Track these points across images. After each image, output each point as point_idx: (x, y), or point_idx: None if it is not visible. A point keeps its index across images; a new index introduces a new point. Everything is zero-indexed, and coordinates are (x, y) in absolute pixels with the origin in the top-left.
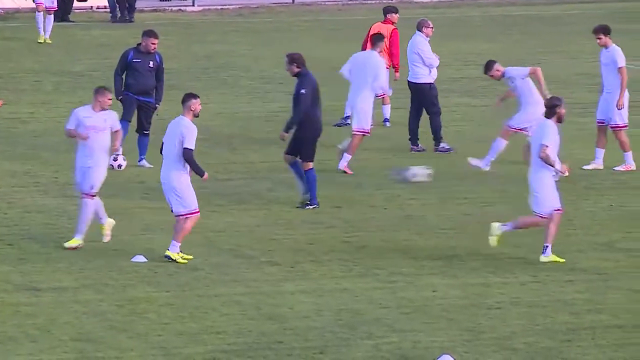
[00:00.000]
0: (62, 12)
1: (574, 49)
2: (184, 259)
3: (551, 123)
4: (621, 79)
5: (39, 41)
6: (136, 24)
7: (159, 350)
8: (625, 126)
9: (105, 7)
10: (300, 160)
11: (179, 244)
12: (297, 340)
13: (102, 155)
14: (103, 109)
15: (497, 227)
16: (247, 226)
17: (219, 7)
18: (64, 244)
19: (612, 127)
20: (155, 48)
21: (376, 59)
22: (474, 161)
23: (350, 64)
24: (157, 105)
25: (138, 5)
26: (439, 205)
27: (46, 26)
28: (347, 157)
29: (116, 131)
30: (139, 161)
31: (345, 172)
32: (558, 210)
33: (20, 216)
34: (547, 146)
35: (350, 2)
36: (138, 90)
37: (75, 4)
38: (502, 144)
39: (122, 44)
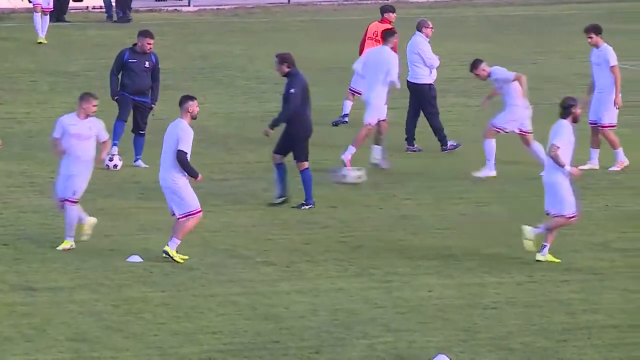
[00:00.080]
0: (58, 12)
1: (571, 49)
2: (181, 258)
3: (566, 123)
4: (615, 78)
5: (38, 42)
6: (132, 24)
7: (155, 350)
8: (613, 126)
9: (100, 7)
10: (294, 161)
11: (179, 241)
12: (293, 340)
13: (87, 164)
14: (88, 116)
15: (529, 230)
16: (243, 226)
17: (215, 7)
18: (58, 247)
19: (600, 126)
20: (150, 48)
21: (388, 54)
22: (479, 173)
23: (363, 59)
24: (152, 105)
25: (133, 5)
26: (435, 205)
27: (42, 26)
28: (351, 149)
29: (104, 142)
30: (134, 161)
31: (344, 163)
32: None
33: (16, 216)
34: (557, 146)
35: (345, 2)
36: (134, 90)
37: (71, 4)
38: (491, 144)
39: (118, 44)
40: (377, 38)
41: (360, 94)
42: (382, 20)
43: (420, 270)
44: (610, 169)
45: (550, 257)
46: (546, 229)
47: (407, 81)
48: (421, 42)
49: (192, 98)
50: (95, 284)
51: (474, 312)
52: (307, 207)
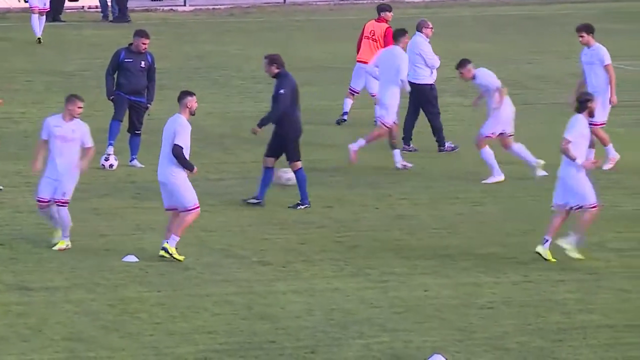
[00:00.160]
0: (54, 12)
1: (567, 49)
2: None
3: (581, 117)
4: (610, 77)
5: (37, 38)
6: (128, 24)
7: (151, 350)
8: (603, 124)
9: (96, 7)
10: (287, 162)
11: (178, 238)
12: (289, 340)
13: (73, 165)
14: (73, 118)
15: (566, 242)
16: (238, 226)
17: (211, 7)
18: (53, 247)
19: (591, 124)
20: (145, 48)
21: (399, 53)
22: (487, 180)
23: (377, 61)
24: (148, 105)
25: (129, 4)
26: (431, 205)
27: (39, 26)
28: (361, 142)
29: (87, 148)
30: (130, 161)
31: (351, 156)
32: (581, 207)
33: (12, 216)
34: (568, 140)
35: (341, 2)
36: (130, 90)
37: (67, 3)
38: (487, 152)
39: (113, 44)
40: (373, 37)
41: (358, 93)
42: (379, 20)
43: (416, 270)
44: (604, 168)
45: (549, 254)
46: (578, 234)
47: (408, 82)
48: (422, 43)
49: (191, 94)
50: (91, 283)
51: (470, 311)
52: (302, 207)
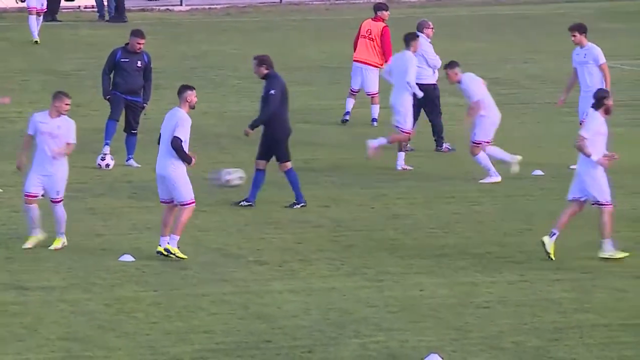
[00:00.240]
0: (50, 11)
1: (563, 49)
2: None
3: (597, 115)
4: (605, 76)
5: (34, 41)
6: (124, 23)
7: (147, 350)
8: None
9: (92, 7)
10: (277, 162)
11: (178, 237)
12: (285, 339)
13: (61, 162)
14: (60, 114)
15: (606, 251)
16: (235, 225)
17: (207, 7)
18: (50, 247)
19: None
20: (141, 48)
21: (408, 58)
22: (484, 180)
23: (389, 67)
24: (145, 104)
25: (125, 4)
26: (427, 204)
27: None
28: (382, 140)
29: (68, 144)
30: (126, 160)
31: (370, 153)
32: (597, 203)
33: (8, 216)
34: (584, 137)
35: (337, 1)
36: (126, 89)
37: (63, 3)
38: (481, 157)
39: (109, 44)
40: (370, 36)
41: (357, 92)
42: (376, 18)
43: (412, 270)
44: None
45: (552, 248)
46: (608, 237)
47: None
48: (423, 43)
49: (190, 88)
50: (87, 283)
51: (466, 311)
52: (298, 205)
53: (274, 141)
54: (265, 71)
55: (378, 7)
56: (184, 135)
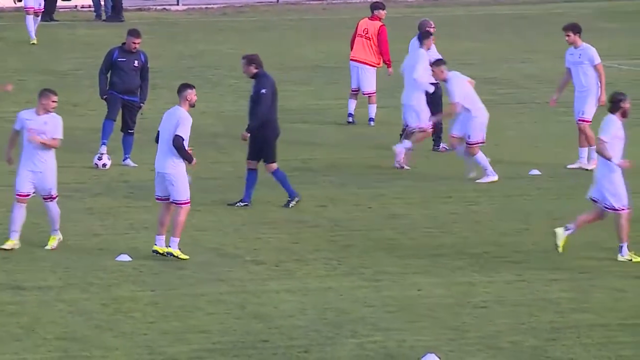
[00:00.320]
0: (47, 11)
1: (560, 48)
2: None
3: (615, 118)
4: (600, 76)
5: (31, 43)
6: (121, 23)
7: (144, 349)
8: (589, 122)
9: (89, 7)
10: (264, 163)
11: (178, 239)
12: (282, 339)
13: (50, 158)
14: (47, 112)
15: (623, 252)
16: (231, 225)
17: (204, 6)
18: (46, 246)
19: (580, 120)
20: (136, 47)
21: (417, 55)
22: (481, 180)
23: (403, 66)
24: (141, 104)
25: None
26: (424, 204)
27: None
28: (407, 143)
29: (54, 139)
30: (123, 160)
31: (401, 160)
32: (613, 209)
33: (5, 215)
34: (604, 141)
35: (334, 1)
36: (123, 89)
37: (60, 3)
38: (479, 156)
39: (106, 43)
40: (367, 35)
41: (357, 91)
42: (372, 17)
43: (409, 269)
44: (589, 168)
45: (562, 242)
46: (625, 241)
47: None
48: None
49: (190, 86)
50: (84, 283)
51: (463, 311)
52: (293, 201)
53: (263, 141)
54: (255, 70)
55: (375, 6)
56: (186, 134)
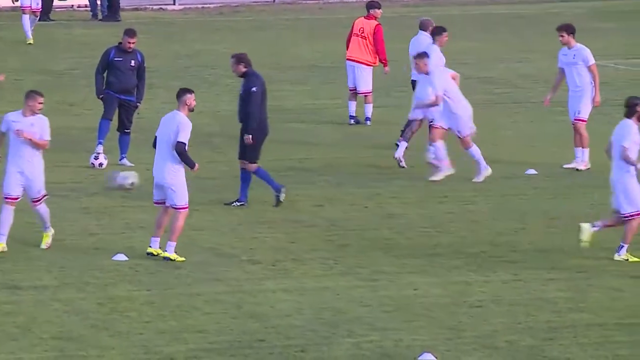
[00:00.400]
0: (43, 10)
1: (556, 48)
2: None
3: (631, 123)
4: (594, 76)
5: (28, 42)
6: (117, 22)
7: (140, 349)
8: (585, 121)
9: (86, 6)
10: (244, 161)
11: (175, 243)
12: (279, 339)
13: (37, 159)
14: (34, 113)
15: (622, 252)
16: (228, 225)
17: (200, 6)
18: (41, 246)
19: (576, 120)
20: (131, 47)
21: (433, 51)
22: (478, 177)
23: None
24: (138, 104)
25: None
26: (420, 203)
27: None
28: (431, 149)
29: (43, 140)
30: (119, 160)
31: (443, 166)
32: (629, 215)
33: None
34: (626, 147)
35: (330, 0)
36: (119, 88)
37: (56, 2)
38: (472, 149)
39: (103, 43)
40: (362, 34)
41: (355, 90)
42: (368, 17)
43: (405, 269)
44: (580, 168)
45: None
46: (628, 243)
47: (412, 80)
48: (426, 42)
49: (190, 91)
50: (80, 282)
51: (460, 310)
52: (281, 194)
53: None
54: (244, 69)
55: (371, 5)
56: (187, 139)
